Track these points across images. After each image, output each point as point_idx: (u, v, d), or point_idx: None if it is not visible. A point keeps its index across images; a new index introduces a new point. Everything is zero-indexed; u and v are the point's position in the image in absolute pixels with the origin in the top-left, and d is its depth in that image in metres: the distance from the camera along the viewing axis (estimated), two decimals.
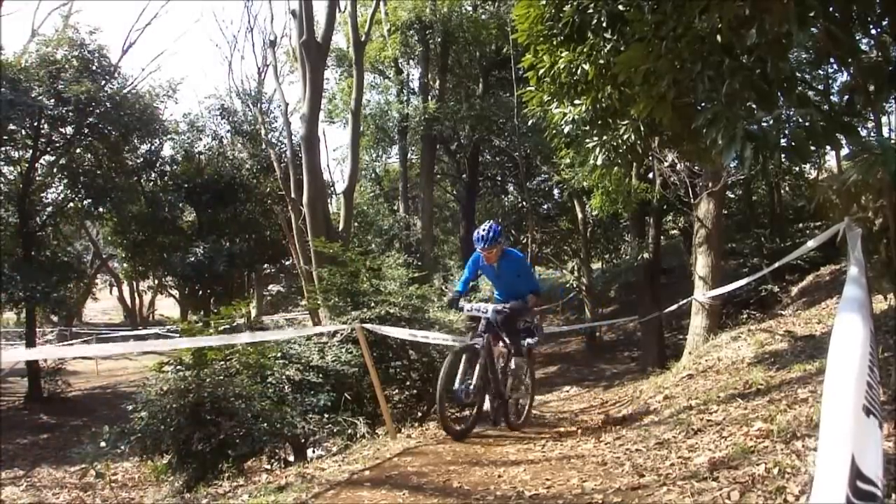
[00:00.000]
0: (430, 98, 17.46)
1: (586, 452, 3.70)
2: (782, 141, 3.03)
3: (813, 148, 3.06)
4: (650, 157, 7.84)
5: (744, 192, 14.97)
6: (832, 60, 4.01)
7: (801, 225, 13.30)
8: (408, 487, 3.10)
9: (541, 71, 4.43)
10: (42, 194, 15.85)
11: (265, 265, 23.20)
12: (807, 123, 3.02)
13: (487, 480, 3.18)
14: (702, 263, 8.26)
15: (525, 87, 4.99)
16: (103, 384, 16.79)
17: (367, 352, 4.94)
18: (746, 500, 2.27)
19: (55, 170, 15.75)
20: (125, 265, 22.97)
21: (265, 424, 4.92)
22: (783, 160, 3.16)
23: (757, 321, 7.80)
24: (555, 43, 4.24)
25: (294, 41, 11.82)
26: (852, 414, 0.91)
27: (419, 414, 6.44)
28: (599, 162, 4.49)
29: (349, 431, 5.40)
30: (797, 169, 9.80)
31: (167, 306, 30.22)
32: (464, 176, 19.62)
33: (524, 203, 18.30)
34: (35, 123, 14.33)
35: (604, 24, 3.77)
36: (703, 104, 3.39)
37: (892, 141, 3.46)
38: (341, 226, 10.66)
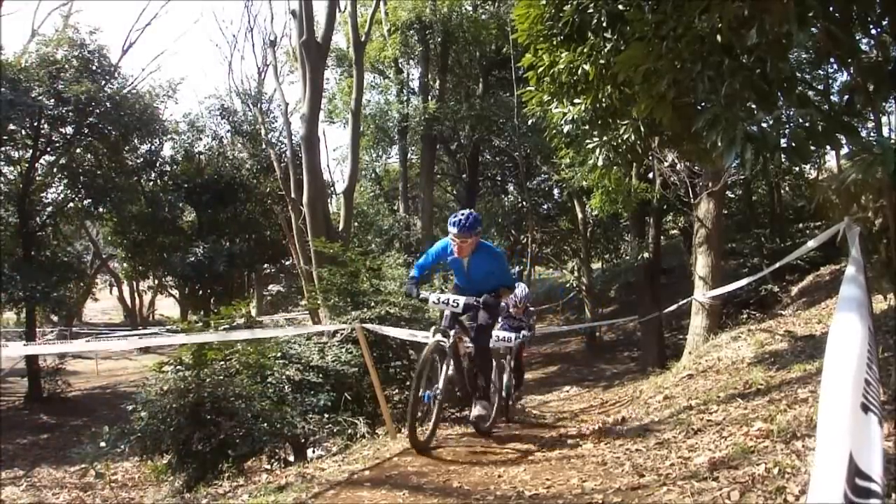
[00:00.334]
0: (430, 98, 17.46)
1: (586, 452, 3.70)
2: (782, 141, 3.03)
3: (813, 148, 3.06)
4: (650, 157, 7.84)
5: (744, 192, 14.97)
6: (832, 60, 4.01)
7: (801, 225, 13.30)
8: (408, 487, 3.10)
9: (540, 71, 4.43)
10: (42, 194, 15.87)
11: (265, 265, 23.22)
12: (807, 124, 3.03)
13: (487, 480, 3.18)
14: (702, 263, 8.27)
15: (525, 87, 4.99)
16: (103, 384, 16.79)
17: (367, 352, 4.94)
18: (746, 500, 2.27)
19: (55, 170, 15.76)
20: (125, 265, 22.97)
21: (265, 424, 4.92)
22: (783, 160, 3.17)
23: (757, 321, 7.80)
24: (555, 43, 4.24)
25: (294, 41, 11.82)
26: (850, 411, 0.91)
27: (419, 414, 6.43)
28: (600, 162, 4.48)
29: (349, 431, 5.40)
30: (797, 169, 9.80)
31: (167, 306, 30.22)
32: (464, 176, 19.62)
33: (524, 203, 18.30)
34: (35, 123, 14.33)
35: (604, 24, 3.77)
36: (703, 104, 3.39)
37: (892, 141, 3.46)
38: (341, 226, 10.66)
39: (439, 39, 17.08)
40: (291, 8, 11.02)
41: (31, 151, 14.71)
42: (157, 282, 26.11)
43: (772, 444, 2.77)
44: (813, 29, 3.00)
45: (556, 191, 18.70)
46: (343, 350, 6.10)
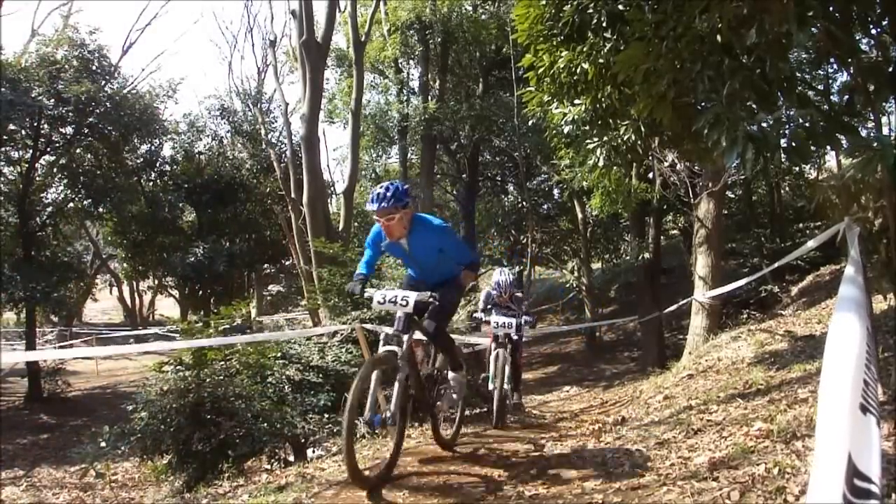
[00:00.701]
0: (430, 98, 17.47)
1: (586, 452, 3.70)
2: (782, 141, 3.03)
3: (813, 148, 3.06)
4: (650, 157, 7.84)
5: (744, 192, 14.97)
6: (832, 60, 4.01)
7: (801, 225, 13.30)
8: (408, 487, 3.10)
9: (540, 71, 4.43)
10: (42, 194, 15.87)
11: (265, 265, 23.22)
12: (807, 123, 3.03)
13: (487, 480, 3.18)
14: (702, 263, 8.26)
15: (525, 87, 4.99)
16: (103, 384, 16.80)
17: (367, 352, 4.94)
18: (746, 500, 2.27)
19: (55, 170, 15.76)
20: (125, 265, 22.97)
21: (265, 424, 4.92)
22: (783, 160, 3.17)
23: (757, 321, 7.80)
24: (555, 43, 4.24)
25: (294, 41, 11.83)
26: (849, 412, 0.91)
27: (419, 414, 6.43)
28: (600, 162, 4.48)
29: None
30: (797, 169, 9.80)
31: (167, 306, 30.23)
32: (464, 176, 19.62)
33: (524, 203, 18.30)
34: (35, 123, 14.33)
35: (604, 24, 3.77)
36: (703, 104, 3.39)
37: (892, 138, 3.46)
38: (341, 226, 10.67)
39: (439, 39, 17.08)
40: (291, 8, 11.03)
41: (31, 151, 14.72)
42: (157, 282, 26.11)
43: (772, 444, 2.77)
44: (813, 29, 3.00)
45: (556, 191, 18.70)
46: (343, 350, 6.11)
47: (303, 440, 5.54)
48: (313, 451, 5.65)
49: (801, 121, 3.09)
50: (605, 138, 4.36)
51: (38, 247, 14.99)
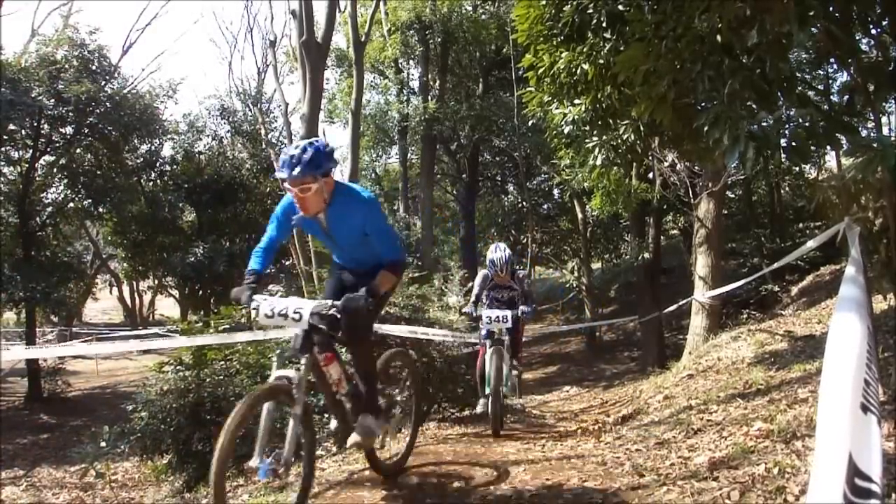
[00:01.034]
0: (430, 98, 17.47)
1: (586, 452, 3.70)
2: (783, 141, 3.03)
3: (813, 148, 3.06)
4: (650, 157, 7.84)
5: (744, 192, 14.97)
6: (832, 60, 4.01)
7: (801, 225, 13.30)
8: (408, 487, 3.10)
9: (540, 71, 4.43)
10: (42, 194, 15.87)
11: None
12: (807, 123, 3.03)
13: (487, 480, 3.18)
14: (702, 263, 8.26)
15: (525, 88, 4.99)
16: (103, 384, 16.79)
17: None
18: (746, 500, 2.27)
19: (55, 170, 15.76)
20: (125, 265, 22.96)
21: None
22: (783, 160, 3.17)
23: (757, 321, 7.80)
24: (555, 43, 4.24)
25: (294, 41, 11.83)
26: (849, 411, 0.91)
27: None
28: (599, 162, 4.48)
29: None
30: (797, 169, 9.80)
31: (167, 306, 30.21)
32: (464, 176, 19.62)
33: (524, 203, 18.30)
34: (35, 123, 14.33)
35: (604, 24, 3.77)
36: (703, 104, 3.39)
37: (892, 138, 3.46)
38: None
39: (439, 39, 17.08)
40: (291, 8, 11.03)
41: (31, 151, 14.71)
42: (157, 282, 26.10)
43: (772, 444, 2.77)
44: (813, 29, 3.00)
45: (556, 191, 18.71)
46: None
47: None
48: None
49: (801, 121, 3.10)
50: (605, 138, 4.37)
51: (38, 247, 14.99)
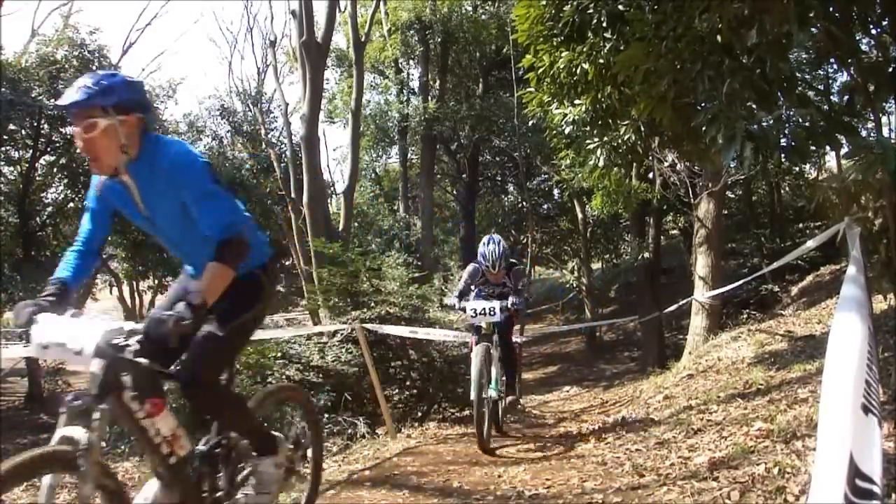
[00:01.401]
0: (430, 98, 17.47)
1: (586, 452, 3.70)
2: (782, 141, 3.03)
3: (813, 148, 3.06)
4: (650, 158, 7.84)
5: (744, 192, 14.97)
6: (832, 60, 4.01)
7: (801, 225, 13.29)
8: (408, 487, 3.10)
9: (540, 71, 4.43)
10: (42, 194, 15.88)
11: None
12: (807, 123, 3.03)
13: (487, 480, 3.18)
14: (702, 263, 8.26)
15: (525, 88, 4.98)
16: None
17: (368, 352, 4.94)
18: (746, 500, 2.27)
19: (55, 170, 15.76)
20: (125, 265, 22.96)
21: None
22: (783, 160, 3.17)
23: (757, 321, 7.80)
24: (555, 43, 4.24)
25: (294, 41, 11.82)
26: (851, 412, 0.91)
27: (419, 414, 6.45)
28: (600, 163, 4.48)
29: (349, 431, 5.41)
30: (797, 169, 9.79)
31: None
32: (464, 176, 19.62)
33: (524, 203, 18.30)
34: (35, 123, 14.33)
35: (604, 24, 3.77)
36: (703, 104, 3.39)
37: (893, 140, 3.46)
38: (341, 226, 10.67)
39: (439, 39, 17.08)
40: (291, 8, 11.03)
41: (31, 151, 14.72)
42: (157, 282, 26.10)
43: (772, 444, 2.77)
44: (813, 29, 3.00)
45: (556, 191, 18.71)
46: (343, 350, 6.10)
47: (302, 440, 5.53)
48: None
49: (800, 121, 3.09)
50: (606, 138, 4.36)
51: (38, 247, 15.00)
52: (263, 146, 18.36)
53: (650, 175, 9.42)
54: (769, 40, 2.89)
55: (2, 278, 13.22)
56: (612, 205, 9.32)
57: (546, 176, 17.91)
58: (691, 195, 8.73)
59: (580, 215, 16.69)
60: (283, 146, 17.40)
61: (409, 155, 18.93)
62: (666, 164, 8.52)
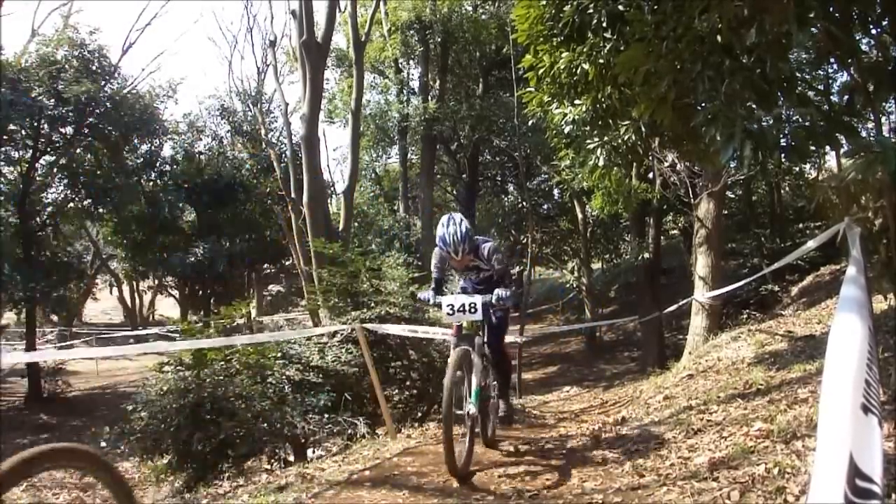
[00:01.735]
0: (430, 98, 17.47)
1: (586, 452, 3.70)
2: (782, 140, 3.03)
3: (813, 148, 3.06)
4: (650, 158, 7.84)
5: (744, 192, 14.98)
6: (832, 60, 4.01)
7: (801, 225, 13.31)
8: (408, 487, 3.10)
9: (541, 71, 4.43)
10: (42, 194, 15.88)
11: (265, 265, 23.24)
12: (807, 123, 3.03)
13: (487, 480, 3.18)
14: (702, 263, 8.26)
15: (525, 88, 4.98)
16: (103, 384, 16.79)
17: (368, 352, 4.94)
18: (746, 500, 2.27)
19: (55, 170, 15.77)
20: (125, 265, 22.98)
21: (265, 424, 4.92)
22: (783, 160, 3.17)
23: (757, 321, 7.79)
24: (555, 43, 4.24)
25: (294, 41, 11.83)
26: (851, 412, 0.91)
27: (419, 414, 6.44)
28: (600, 162, 4.48)
29: (349, 431, 5.40)
30: (797, 169, 9.81)
31: (167, 306, 30.22)
32: (464, 176, 19.63)
33: (524, 203, 18.30)
34: (35, 123, 14.34)
35: (604, 25, 3.77)
36: (703, 104, 3.39)
37: (893, 140, 3.46)
38: (341, 226, 10.67)
39: (439, 39, 17.09)
40: (291, 8, 11.03)
41: (31, 151, 14.73)
42: (157, 282, 26.12)
43: (772, 444, 2.77)
44: (813, 29, 3.00)
45: (556, 191, 18.71)
46: (343, 350, 6.10)
47: (303, 440, 5.54)
48: (313, 452, 5.65)
49: (800, 120, 3.10)
50: (606, 138, 4.36)
51: (38, 247, 15.00)
52: (263, 146, 18.39)
53: (650, 175, 9.42)
54: (769, 40, 2.89)
55: (2, 278, 13.22)
56: (612, 205, 9.32)
57: (546, 176, 17.92)
58: (691, 195, 8.73)
59: (580, 215, 16.69)
60: (283, 146, 17.44)
61: (409, 155, 18.94)
62: (666, 164, 8.52)
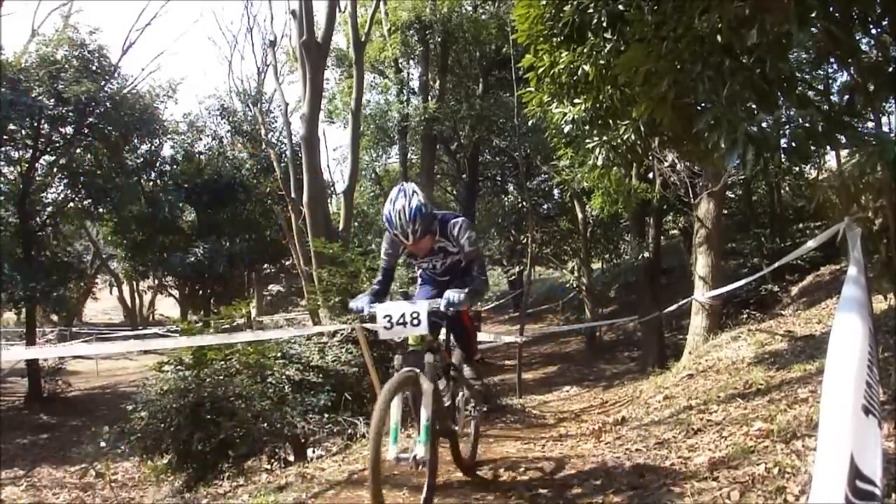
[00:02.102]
0: (430, 98, 17.46)
1: (586, 452, 3.70)
2: (783, 141, 3.03)
3: (813, 148, 3.06)
4: (650, 158, 7.84)
5: (744, 192, 14.97)
6: (832, 60, 4.01)
7: (801, 225, 13.30)
8: (408, 487, 3.10)
9: (540, 71, 4.43)
10: (42, 194, 15.87)
11: (265, 265, 23.24)
12: (807, 124, 3.03)
13: (488, 480, 3.18)
14: (702, 263, 8.26)
15: (525, 88, 4.98)
16: (103, 384, 16.79)
17: (368, 352, 4.94)
18: (746, 500, 2.27)
19: (55, 170, 15.76)
20: (125, 265, 22.97)
21: (265, 424, 4.92)
22: (783, 160, 3.17)
23: (757, 321, 7.79)
24: (555, 43, 4.23)
25: (294, 41, 11.82)
26: (851, 413, 0.91)
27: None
28: (599, 162, 4.48)
29: (349, 431, 5.40)
30: (797, 169, 9.79)
31: (167, 306, 30.21)
32: (464, 176, 19.63)
33: (524, 203, 18.29)
34: (35, 123, 14.33)
35: (604, 25, 3.77)
36: (703, 105, 3.39)
37: (892, 135, 3.46)
38: (341, 226, 10.66)
39: (439, 39, 17.07)
40: (291, 8, 11.01)
41: (31, 151, 14.71)
42: (157, 282, 26.11)
43: (772, 444, 2.77)
44: (813, 29, 3.00)
45: (556, 191, 18.70)
46: (343, 350, 6.10)
47: (303, 440, 5.54)
48: (313, 451, 5.65)
49: (801, 121, 3.09)
50: (606, 138, 4.36)
51: (38, 247, 14.99)
52: (263, 146, 18.39)
53: (650, 175, 9.42)
54: (769, 40, 2.89)
55: (2, 278, 13.21)
56: (612, 205, 9.31)
57: (546, 176, 17.90)
58: (691, 195, 8.72)
59: (580, 215, 16.68)
60: (283, 146, 17.43)
61: (409, 155, 18.93)
62: (666, 164, 8.52)
